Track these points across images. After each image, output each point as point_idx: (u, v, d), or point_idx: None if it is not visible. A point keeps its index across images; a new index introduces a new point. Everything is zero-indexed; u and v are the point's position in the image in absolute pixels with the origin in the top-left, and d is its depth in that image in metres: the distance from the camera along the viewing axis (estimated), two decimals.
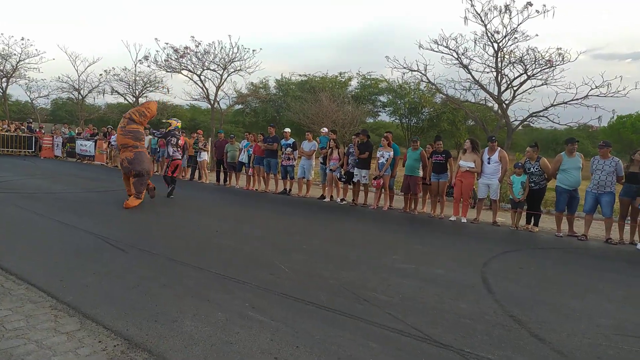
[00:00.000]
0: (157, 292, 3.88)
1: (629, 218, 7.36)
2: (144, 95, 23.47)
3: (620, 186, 7.40)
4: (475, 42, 12.31)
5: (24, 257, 4.71)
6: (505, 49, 12.02)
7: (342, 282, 4.40)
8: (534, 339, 3.30)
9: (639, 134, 27.34)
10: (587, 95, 11.18)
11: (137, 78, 22.89)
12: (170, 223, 7.26)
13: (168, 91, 23.44)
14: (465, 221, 8.58)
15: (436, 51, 12.72)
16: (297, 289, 4.13)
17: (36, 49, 26.33)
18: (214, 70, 19.02)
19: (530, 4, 11.26)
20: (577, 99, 11.35)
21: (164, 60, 18.90)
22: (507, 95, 12.50)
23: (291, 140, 11.40)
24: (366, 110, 27.09)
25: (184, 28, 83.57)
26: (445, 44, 12.50)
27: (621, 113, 26.52)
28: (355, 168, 9.99)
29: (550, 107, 11.78)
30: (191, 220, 7.62)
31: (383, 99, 32.21)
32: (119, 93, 24.17)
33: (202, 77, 19.19)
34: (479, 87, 13.01)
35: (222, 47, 18.30)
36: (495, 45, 12.07)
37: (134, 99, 23.40)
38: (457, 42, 12.41)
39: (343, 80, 31.67)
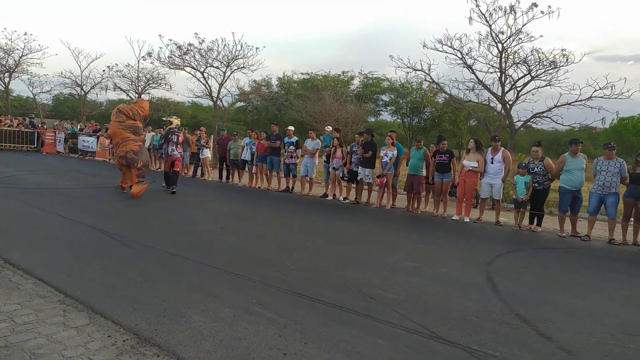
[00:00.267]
0: (164, 288, 3.89)
1: (632, 219, 7.37)
2: (147, 92, 23.46)
3: (624, 187, 7.41)
4: (479, 42, 12.34)
5: (29, 252, 4.72)
6: (509, 49, 12.03)
7: (347, 280, 4.41)
8: (541, 337, 3.32)
9: None
10: (590, 97, 11.18)
11: (140, 74, 22.88)
12: (173, 219, 7.27)
13: (171, 88, 23.44)
14: (468, 221, 8.59)
15: (440, 51, 12.76)
16: (302, 286, 4.15)
17: (39, 44, 26.39)
18: (217, 67, 19.02)
19: (535, 4, 11.27)
20: (581, 100, 11.37)
21: (168, 57, 18.92)
22: (510, 96, 12.52)
23: (294, 138, 11.40)
24: (368, 109, 27.05)
25: (188, 25, 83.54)
26: (449, 44, 12.53)
27: (623, 115, 26.52)
28: (360, 167, 10.00)
29: (554, 107, 11.79)
30: (194, 216, 7.63)
31: (385, 98, 32.17)
32: (121, 89, 24.11)
33: (205, 74, 19.18)
34: (482, 87, 13.02)
35: (225, 45, 18.29)
36: (500, 45, 12.09)
37: (137, 96, 23.37)
38: (461, 42, 12.44)
39: (345, 79, 31.61)
